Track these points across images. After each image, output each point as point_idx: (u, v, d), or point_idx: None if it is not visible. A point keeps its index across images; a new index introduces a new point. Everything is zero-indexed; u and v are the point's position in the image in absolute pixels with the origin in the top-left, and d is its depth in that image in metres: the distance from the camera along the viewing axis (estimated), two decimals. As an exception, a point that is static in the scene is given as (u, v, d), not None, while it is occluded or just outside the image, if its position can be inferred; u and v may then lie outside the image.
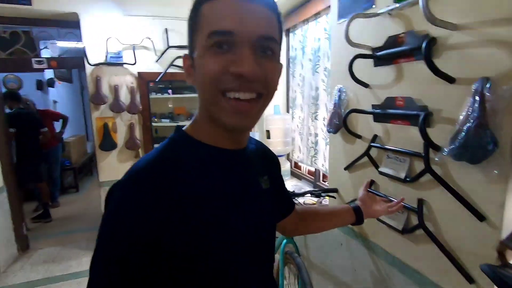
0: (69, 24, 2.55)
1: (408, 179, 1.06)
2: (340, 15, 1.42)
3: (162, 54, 2.59)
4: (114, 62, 2.51)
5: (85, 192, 4.85)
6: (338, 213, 0.88)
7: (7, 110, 3.08)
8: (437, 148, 0.93)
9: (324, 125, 2.00)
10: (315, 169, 2.25)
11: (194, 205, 0.46)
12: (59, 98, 5.41)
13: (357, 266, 1.44)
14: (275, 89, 0.49)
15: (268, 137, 2.46)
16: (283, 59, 2.60)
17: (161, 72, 2.56)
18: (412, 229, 1.07)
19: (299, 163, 2.56)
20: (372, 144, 1.24)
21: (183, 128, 0.54)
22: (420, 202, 1.03)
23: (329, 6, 1.56)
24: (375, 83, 1.23)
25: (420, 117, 0.94)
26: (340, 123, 1.39)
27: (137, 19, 2.52)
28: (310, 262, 1.92)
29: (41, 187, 3.59)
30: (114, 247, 0.42)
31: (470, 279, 0.88)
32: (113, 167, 2.65)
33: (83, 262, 2.70)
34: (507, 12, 0.75)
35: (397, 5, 1.05)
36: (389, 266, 1.23)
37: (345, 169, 1.45)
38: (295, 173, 2.62)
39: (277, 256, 1.64)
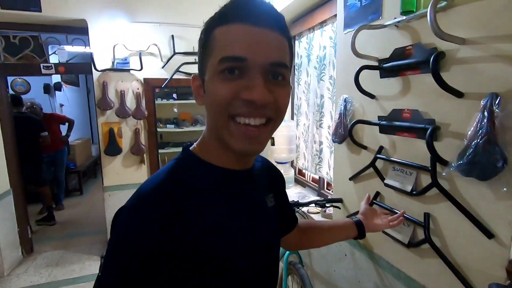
0: (77, 30, 2.59)
1: (414, 193, 1.05)
2: (346, 25, 1.42)
3: (168, 60, 2.61)
4: (120, 68, 2.53)
5: (89, 195, 4.87)
6: (340, 227, 0.88)
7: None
8: (445, 163, 0.92)
9: (329, 133, 2.00)
10: (319, 177, 2.24)
11: (202, 229, 0.46)
12: (65, 101, 5.48)
13: (361, 278, 1.42)
14: (285, 113, 0.49)
15: (273, 144, 2.46)
16: (288, 66, 2.61)
17: (166, 78, 2.57)
18: (418, 243, 1.05)
19: (303, 171, 2.55)
20: (378, 155, 1.23)
21: (190, 148, 0.54)
22: (427, 216, 1.02)
23: (335, 15, 1.57)
24: (381, 94, 1.22)
25: (428, 131, 0.93)
26: (346, 133, 1.38)
27: (144, 26, 2.55)
28: (313, 271, 1.90)
29: (43, 191, 3.60)
30: (120, 273, 0.42)
31: (478, 297, 0.86)
32: (118, 172, 2.67)
33: (86, 266, 2.70)
34: (516, 28, 0.74)
35: (404, 17, 1.05)
36: (393, 279, 1.21)
37: (350, 179, 1.44)
38: (299, 180, 2.61)
39: (281, 266, 1.62)
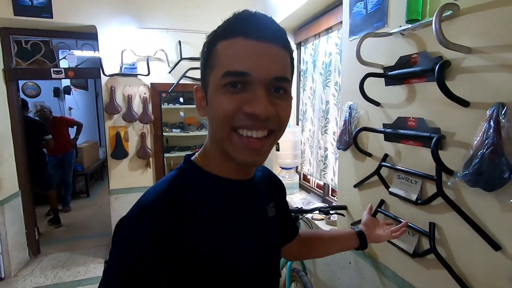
0: (87, 36, 2.65)
1: (419, 201, 1.04)
2: (352, 33, 1.42)
3: (175, 65, 2.65)
4: (128, 73, 2.57)
5: (95, 197, 4.93)
6: (342, 238, 0.86)
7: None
8: (450, 172, 0.91)
9: (334, 139, 1.99)
10: (324, 183, 2.23)
11: (204, 239, 0.46)
12: (74, 104, 5.57)
13: (365, 286, 1.41)
14: (287, 124, 0.50)
15: (277, 149, 2.46)
16: (294, 72, 2.62)
17: (173, 83, 2.60)
18: (423, 253, 1.04)
19: (308, 176, 2.54)
20: (383, 163, 1.22)
21: (192, 158, 0.54)
22: (432, 226, 1.00)
23: (341, 22, 1.57)
24: (386, 102, 1.22)
25: (433, 140, 0.92)
26: (350, 140, 1.38)
27: (152, 32, 2.59)
28: (317, 278, 1.88)
29: (49, 194, 3.63)
30: (121, 280, 0.42)
31: (484, 310, 0.85)
32: (124, 176, 2.69)
33: (91, 268, 2.73)
34: (523, 38, 0.74)
35: (410, 25, 1.05)
36: (399, 289, 1.19)
37: (354, 186, 1.43)
38: (304, 186, 2.60)
39: (284, 272, 1.61)
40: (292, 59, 0.50)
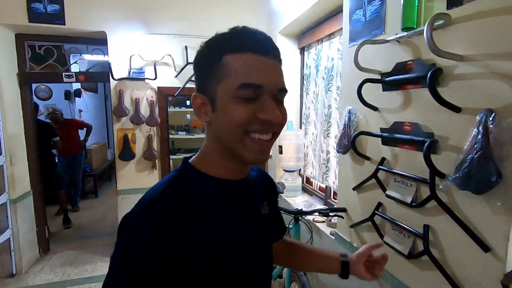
0: (97, 41, 2.75)
1: (414, 204, 1.07)
2: (351, 39, 1.46)
3: (181, 70, 2.72)
4: (136, 77, 2.65)
5: (103, 197, 5.03)
6: (324, 257, 0.82)
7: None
8: (442, 176, 0.94)
9: (336, 143, 2.02)
10: (326, 186, 2.26)
11: (201, 234, 0.50)
12: (84, 107, 5.72)
13: (365, 288, 1.43)
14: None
15: (281, 152, 2.49)
16: (297, 76, 2.67)
17: (179, 87, 2.68)
18: (418, 255, 1.07)
19: (311, 179, 2.57)
20: (380, 167, 1.25)
21: (189, 161, 0.59)
22: (426, 228, 1.03)
23: (342, 28, 1.61)
24: (384, 107, 1.25)
25: (425, 144, 0.95)
26: (349, 144, 1.41)
27: (159, 37, 2.67)
28: (319, 280, 1.90)
29: (58, 194, 3.73)
30: (123, 276, 0.46)
31: (475, 311, 0.87)
32: (131, 176, 2.77)
33: (98, 266, 2.80)
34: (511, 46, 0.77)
35: (405, 33, 1.08)
36: (396, 291, 1.22)
37: (353, 189, 1.46)
38: (306, 189, 2.62)
39: (285, 272, 1.65)
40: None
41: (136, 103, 2.68)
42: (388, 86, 1.20)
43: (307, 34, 2.41)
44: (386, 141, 1.23)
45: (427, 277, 1.05)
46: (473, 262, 0.88)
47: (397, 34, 1.13)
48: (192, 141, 3.50)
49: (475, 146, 0.81)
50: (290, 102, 2.71)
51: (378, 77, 1.24)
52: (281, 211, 1.60)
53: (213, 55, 0.52)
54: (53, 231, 3.55)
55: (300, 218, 1.62)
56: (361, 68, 1.24)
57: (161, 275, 0.46)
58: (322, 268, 0.84)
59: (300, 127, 2.72)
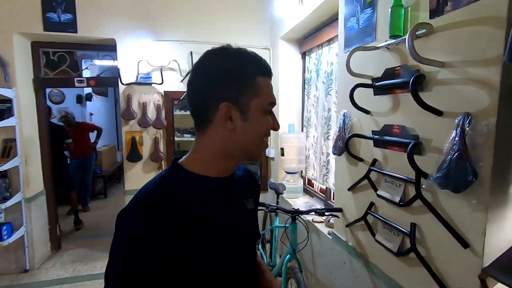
0: (107, 48, 2.87)
1: (401, 203, 1.11)
2: (346, 46, 1.52)
3: (187, 74, 2.82)
4: (143, 82, 2.77)
5: (112, 198, 5.17)
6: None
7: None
8: (425, 176, 0.99)
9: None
10: (326, 187, 2.30)
11: (191, 226, 0.56)
12: (95, 110, 5.90)
13: (358, 286, 1.47)
14: None
15: (282, 154, 2.55)
16: (299, 80, 2.73)
17: (184, 91, 2.77)
18: (406, 252, 1.11)
19: (312, 181, 2.62)
20: (372, 168, 1.30)
21: (179, 162, 0.64)
22: (413, 226, 1.08)
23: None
24: (375, 110, 1.31)
25: (409, 145, 1.00)
26: (344, 146, 1.47)
27: (166, 44, 2.78)
28: (316, 279, 1.95)
29: (69, 196, 3.84)
30: (119, 265, 0.53)
31: (456, 305, 0.91)
32: (138, 177, 2.87)
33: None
34: (486, 54, 0.82)
35: (393, 40, 1.14)
36: (387, 288, 1.26)
37: (348, 189, 1.51)
38: (308, 190, 2.67)
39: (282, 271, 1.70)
40: None
41: (144, 106, 2.79)
42: (379, 90, 1.26)
43: (308, 39, 2.48)
44: (377, 143, 1.28)
45: (414, 273, 1.09)
46: (454, 258, 0.92)
47: (386, 41, 1.18)
48: (197, 143, 3.59)
49: (454, 147, 0.86)
50: (292, 105, 2.78)
51: (370, 82, 1.30)
52: (279, 211, 1.68)
53: (248, 75, 0.60)
54: (64, 230, 3.68)
55: (297, 217, 1.67)
56: (352, 73, 1.30)
57: (155, 267, 0.51)
58: None
59: (302, 130, 2.78)
